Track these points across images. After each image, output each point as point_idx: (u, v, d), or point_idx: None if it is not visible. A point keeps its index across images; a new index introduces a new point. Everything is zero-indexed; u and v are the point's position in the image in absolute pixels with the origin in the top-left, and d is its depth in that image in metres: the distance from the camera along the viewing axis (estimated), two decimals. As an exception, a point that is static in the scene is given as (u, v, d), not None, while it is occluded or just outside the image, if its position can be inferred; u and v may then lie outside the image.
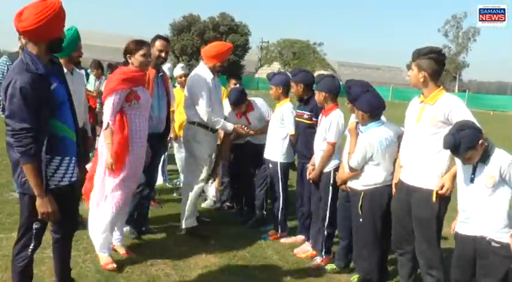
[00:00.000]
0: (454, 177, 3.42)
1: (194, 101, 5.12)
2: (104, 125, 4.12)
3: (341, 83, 4.78)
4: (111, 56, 41.75)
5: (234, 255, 4.73)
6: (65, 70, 4.47)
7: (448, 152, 3.45)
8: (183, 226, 5.25)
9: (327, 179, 4.56)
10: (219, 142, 5.64)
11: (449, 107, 3.43)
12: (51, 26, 2.83)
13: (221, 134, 5.58)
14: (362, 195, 3.97)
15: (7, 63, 5.55)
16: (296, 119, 5.08)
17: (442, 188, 3.47)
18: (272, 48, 59.66)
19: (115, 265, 4.17)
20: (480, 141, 3.06)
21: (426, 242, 3.58)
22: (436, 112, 3.49)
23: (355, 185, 4.11)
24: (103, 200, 4.20)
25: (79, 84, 4.85)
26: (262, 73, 48.19)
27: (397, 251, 3.90)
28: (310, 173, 4.69)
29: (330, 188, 4.54)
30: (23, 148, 2.78)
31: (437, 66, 3.54)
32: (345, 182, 4.22)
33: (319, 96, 4.56)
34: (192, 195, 5.25)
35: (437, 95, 3.54)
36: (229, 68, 5.28)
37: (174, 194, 6.80)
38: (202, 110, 5.06)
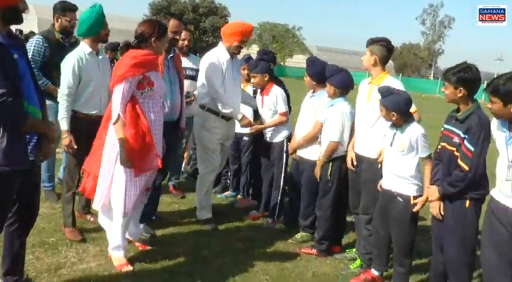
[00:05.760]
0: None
1: (205, 80, 4.86)
2: (114, 117, 3.64)
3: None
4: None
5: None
6: (90, 50, 4.31)
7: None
8: (198, 218, 5.12)
9: (280, 148, 5.12)
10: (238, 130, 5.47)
11: (393, 86, 3.92)
12: None
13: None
14: (331, 164, 4.45)
15: None
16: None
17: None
18: (251, 31, 59.72)
19: (131, 267, 3.86)
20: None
21: (369, 197, 4.12)
22: None
23: (308, 155, 4.67)
24: (116, 197, 3.79)
25: (105, 68, 4.54)
26: (241, 56, 48.44)
27: (354, 212, 4.41)
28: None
29: (284, 156, 5.10)
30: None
31: (386, 53, 4.12)
32: (295, 151, 4.83)
33: (261, 78, 5.14)
34: (203, 186, 5.10)
35: (382, 78, 4.10)
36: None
37: None
38: (213, 90, 4.79)
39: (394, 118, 3.67)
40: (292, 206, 5.10)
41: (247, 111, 5.40)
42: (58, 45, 4.82)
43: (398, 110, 3.64)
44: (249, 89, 5.76)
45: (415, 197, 3.67)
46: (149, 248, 4.30)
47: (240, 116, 4.94)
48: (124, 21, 37.31)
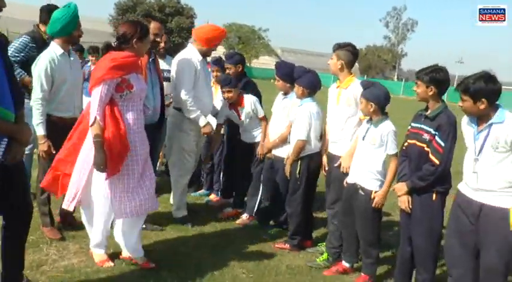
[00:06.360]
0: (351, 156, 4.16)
1: (177, 83, 4.90)
2: (91, 120, 3.59)
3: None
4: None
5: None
6: (61, 51, 4.22)
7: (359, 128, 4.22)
8: (174, 216, 5.23)
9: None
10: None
11: (359, 90, 4.15)
12: None
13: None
14: (299, 162, 4.59)
15: None
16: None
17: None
18: (218, 31, 59.61)
19: (112, 263, 3.98)
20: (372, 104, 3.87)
21: (336, 192, 4.36)
22: (349, 94, 4.27)
23: (283, 154, 4.82)
24: (99, 198, 3.82)
25: (77, 69, 4.48)
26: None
27: (331, 208, 4.55)
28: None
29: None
30: None
31: (352, 57, 4.34)
32: (269, 151, 5.03)
33: (236, 92, 5.25)
34: (178, 187, 5.22)
35: (349, 81, 4.32)
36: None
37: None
38: (182, 94, 4.80)
39: (371, 110, 3.87)
40: (267, 203, 5.27)
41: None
42: (45, 45, 4.67)
43: (378, 102, 3.86)
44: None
45: (376, 192, 3.90)
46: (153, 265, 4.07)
47: (203, 123, 4.91)
48: (90, 21, 36.90)
